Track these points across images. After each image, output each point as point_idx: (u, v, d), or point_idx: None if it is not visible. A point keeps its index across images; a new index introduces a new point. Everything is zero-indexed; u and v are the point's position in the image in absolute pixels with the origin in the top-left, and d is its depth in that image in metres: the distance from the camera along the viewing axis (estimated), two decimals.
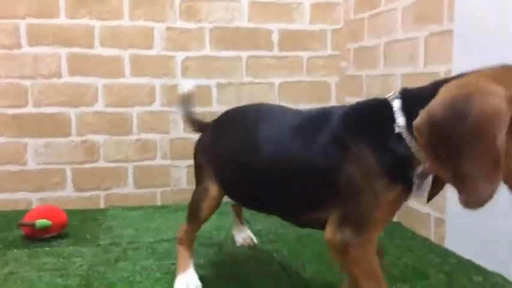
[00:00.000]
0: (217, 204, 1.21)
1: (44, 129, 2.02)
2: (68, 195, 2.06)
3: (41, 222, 1.57)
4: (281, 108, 1.13)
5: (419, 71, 1.67)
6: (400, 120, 0.82)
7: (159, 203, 2.15)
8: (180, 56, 2.14)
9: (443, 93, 0.72)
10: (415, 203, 1.71)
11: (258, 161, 1.02)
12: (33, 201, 2.04)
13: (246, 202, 1.17)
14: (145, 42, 2.10)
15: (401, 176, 0.83)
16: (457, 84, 0.72)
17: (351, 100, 2.23)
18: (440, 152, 0.71)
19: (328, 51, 2.28)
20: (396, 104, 0.85)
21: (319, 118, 0.96)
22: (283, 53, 2.23)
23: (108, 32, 2.05)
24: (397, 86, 1.82)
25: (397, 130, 0.82)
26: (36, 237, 1.59)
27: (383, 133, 0.82)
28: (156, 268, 1.35)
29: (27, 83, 2.00)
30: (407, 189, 0.85)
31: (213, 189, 1.18)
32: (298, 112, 1.05)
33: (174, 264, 1.37)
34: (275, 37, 2.22)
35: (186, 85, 1.42)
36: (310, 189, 0.93)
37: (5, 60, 1.97)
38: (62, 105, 2.03)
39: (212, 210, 1.21)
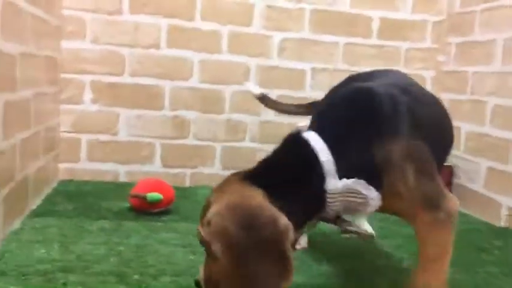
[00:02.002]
0: None
1: (137, 101, 1.97)
2: (155, 170, 2.01)
3: (153, 195, 1.52)
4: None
5: None
6: None
7: None
8: (277, 36, 2.06)
9: None
10: None
11: None
12: (121, 173, 1.99)
13: None
14: (245, 19, 2.02)
15: None
16: None
17: (448, 96, 2.15)
18: None
19: (427, 44, 2.19)
20: None
21: None
22: (381, 42, 2.15)
23: (209, 6, 1.98)
24: None
25: None
26: (145, 210, 1.54)
27: None
28: None
29: (125, 51, 1.94)
30: None
31: None
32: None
33: None
34: (375, 25, 2.14)
35: (253, 88, 1.50)
36: None
37: (106, 26, 1.91)
38: (158, 77, 1.97)
39: None
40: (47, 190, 1.73)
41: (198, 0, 1.96)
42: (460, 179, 2.04)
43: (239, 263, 0.72)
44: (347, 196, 0.80)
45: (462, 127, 2.05)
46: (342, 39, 2.12)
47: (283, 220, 0.75)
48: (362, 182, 0.79)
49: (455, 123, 2.11)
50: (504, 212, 1.79)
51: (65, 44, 1.88)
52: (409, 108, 0.87)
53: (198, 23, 1.98)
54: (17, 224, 1.33)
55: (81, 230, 1.34)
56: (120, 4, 1.91)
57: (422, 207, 0.82)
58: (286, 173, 0.81)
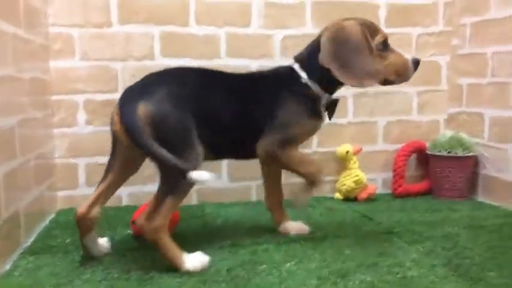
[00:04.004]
0: None
1: None
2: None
3: None
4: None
5: None
6: (303, 74, 1.33)
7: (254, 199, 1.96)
8: (278, 34, 1.93)
9: (327, 33, 1.33)
10: None
11: None
12: (123, 196, 1.86)
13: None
14: (242, 19, 1.89)
15: (315, 111, 1.34)
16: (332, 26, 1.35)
17: (467, 81, 1.99)
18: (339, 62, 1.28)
19: (440, 27, 2.04)
20: (296, 67, 1.34)
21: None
22: (391, 30, 2.00)
23: (203, 8, 1.85)
24: None
25: (303, 81, 1.32)
26: None
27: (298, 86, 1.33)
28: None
29: (117, 65, 1.81)
30: (319, 118, 1.35)
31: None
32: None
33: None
34: (382, 12, 1.99)
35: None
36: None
37: (95, 40, 1.78)
38: None
39: None
40: (44, 222, 1.60)
41: (191, 3, 1.84)
42: (487, 169, 1.88)
43: None
44: None
45: (485, 113, 1.90)
46: None
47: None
48: None
49: (476, 109, 1.96)
50: None
51: (54, 64, 1.76)
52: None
53: (193, 28, 1.85)
54: (8, 265, 1.20)
55: (76, 266, 1.21)
56: (109, 15, 1.78)
57: None
58: None
